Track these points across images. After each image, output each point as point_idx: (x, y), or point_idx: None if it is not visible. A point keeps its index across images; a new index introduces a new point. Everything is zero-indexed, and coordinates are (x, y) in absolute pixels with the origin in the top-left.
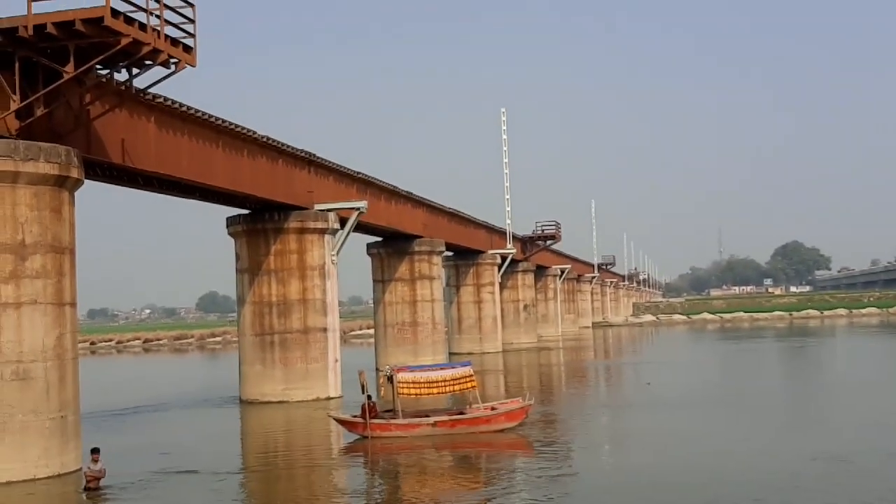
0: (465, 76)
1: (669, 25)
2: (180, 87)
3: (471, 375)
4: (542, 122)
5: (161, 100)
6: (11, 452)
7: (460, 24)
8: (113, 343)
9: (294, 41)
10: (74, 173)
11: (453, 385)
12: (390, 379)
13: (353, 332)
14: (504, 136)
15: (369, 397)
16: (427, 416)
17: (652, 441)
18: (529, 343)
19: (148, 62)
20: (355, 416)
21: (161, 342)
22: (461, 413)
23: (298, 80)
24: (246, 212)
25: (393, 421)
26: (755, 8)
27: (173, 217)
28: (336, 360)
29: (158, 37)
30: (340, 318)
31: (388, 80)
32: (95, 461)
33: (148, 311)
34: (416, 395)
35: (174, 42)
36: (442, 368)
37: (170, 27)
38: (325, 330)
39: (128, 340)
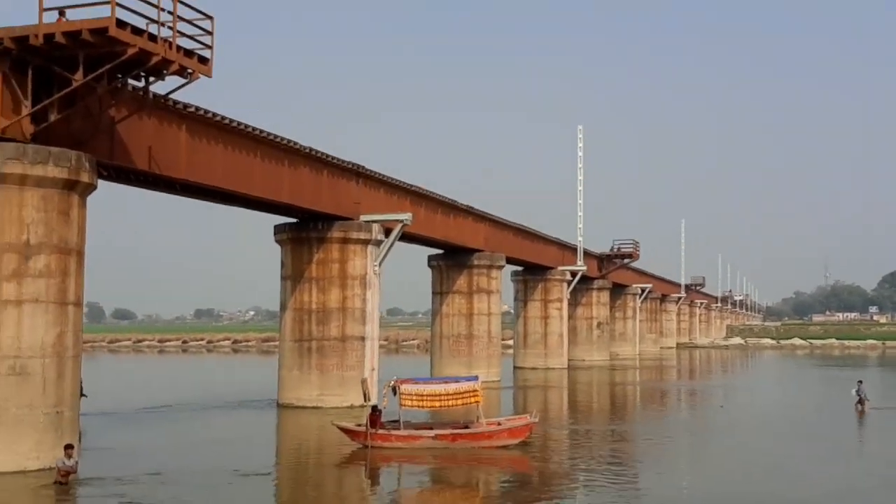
0: (545, 92)
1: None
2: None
3: (475, 390)
4: (640, 142)
5: (192, 109)
6: (4, 444)
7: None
8: (204, 343)
9: (361, 52)
10: (85, 178)
11: (456, 399)
12: (395, 390)
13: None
14: (580, 154)
15: (374, 407)
16: (430, 428)
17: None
18: (602, 361)
19: (163, 71)
20: (360, 426)
21: (250, 343)
22: (465, 427)
23: (369, 94)
24: (293, 220)
25: (394, 432)
26: None
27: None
28: (373, 369)
29: (170, 48)
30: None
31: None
32: (69, 456)
33: (252, 312)
34: (419, 406)
35: (188, 53)
36: (446, 382)
37: (186, 38)
38: (362, 339)
39: (218, 340)
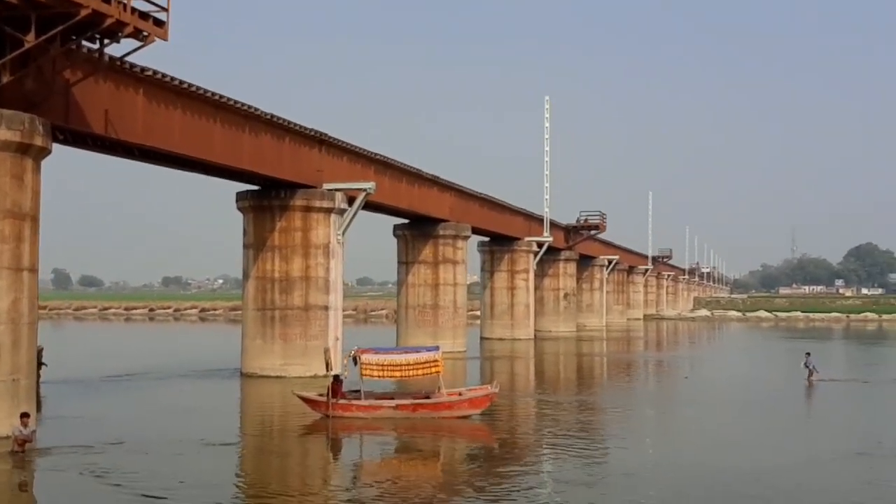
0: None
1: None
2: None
3: (436, 360)
4: (607, 112)
5: (150, 73)
6: None
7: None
8: (171, 311)
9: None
10: (39, 141)
11: (416, 369)
12: (355, 360)
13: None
14: (546, 125)
15: (336, 377)
16: (392, 398)
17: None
18: (568, 332)
19: (118, 33)
20: (321, 395)
21: (217, 312)
22: (426, 397)
23: (337, 62)
24: (255, 188)
25: (354, 402)
26: None
27: None
28: (337, 339)
29: (125, 10)
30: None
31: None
32: (25, 425)
33: (221, 280)
34: (379, 376)
35: (143, 15)
36: (407, 352)
37: (142, 1)
38: (326, 308)
39: (185, 309)
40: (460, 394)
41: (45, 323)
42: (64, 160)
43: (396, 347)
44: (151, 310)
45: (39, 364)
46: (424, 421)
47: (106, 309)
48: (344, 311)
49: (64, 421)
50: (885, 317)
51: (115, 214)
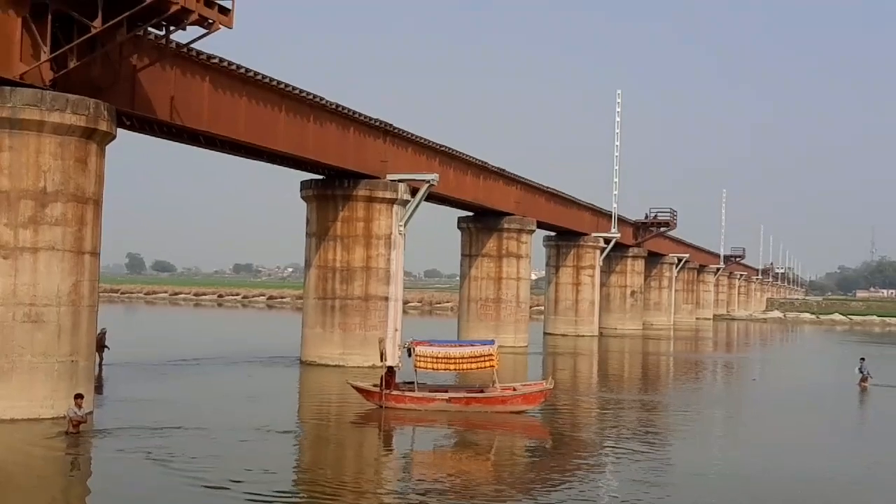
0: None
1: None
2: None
3: (491, 355)
4: (681, 108)
5: (216, 60)
6: (18, 391)
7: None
8: (239, 297)
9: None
10: (103, 126)
11: (471, 362)
12: (409, 351)
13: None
14: (618, 119)
15: (390, 368)
16: (446, 391)
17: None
18: (634, 330)
19: (184, 20)
20: (375, 386)
21: (285, 300)
22: (480, 391)
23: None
24: (319, 177)
25: (408, 393)
26: None
27: None
28: (396, 330)
29: None
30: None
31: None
32: (79, 406)
33: (291, 269)
34: (432, 368)
35: (208, 3)
36: (461, 345)
37: None
38: (386, 299)
39: (253, 296)
40: (514, 389)
41: (117, 306)
42: (143, 147)
43: (452, 340)
44: (220, 296)
45: (102, 347)
46: (477, 415)
47: (176, 294)
48: (409, 302)
49: (124, 403)
50: None
51: (190, 201)
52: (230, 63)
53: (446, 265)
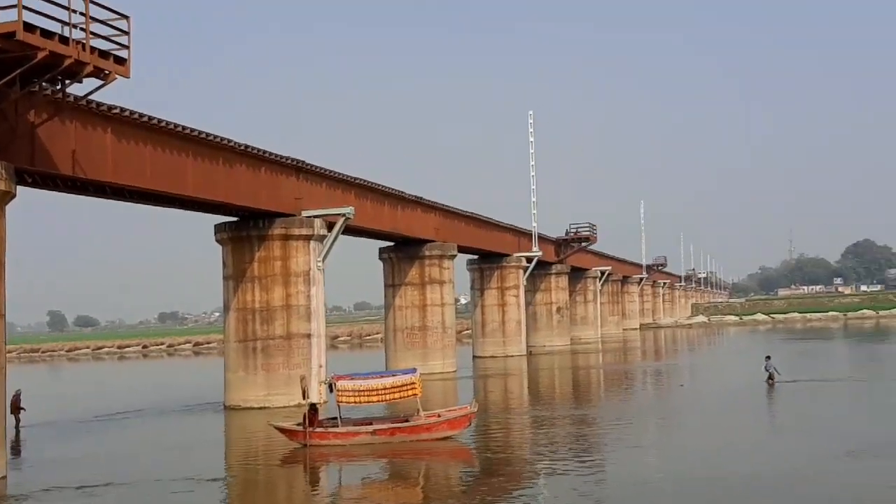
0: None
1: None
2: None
3: (413, 383)
4: (595, 125)
5: (117, 110)
6: None
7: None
8: (164, 346)
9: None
10: (2, 185)
11: (394, 393)
12: (331, 387)
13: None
14: (531, 139)
15: (312, 405)
16: (370, 423)
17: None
18: (562, 345)
19: (79, 73)
20: (298, 425)
21: (211, 345)
22: (404, 421)
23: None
24: (233, 219)
25: (332, 430)
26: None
27: None
28: (320, 366)
29: (83, 49)
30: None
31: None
32: None
33: (217, 313)
34: (355, 402)
35: (103, 54)
36: (383, 376)
37: (102, 39)
38: (308, 336)
39: (179, 344)
40: (439, 415)
41: (38, 366)
42: (57, 202)
43: (374, 372)
44: (145, 346)
45: (18, 409)
46: (404, 445)
47: (99, 349)
48: (339, 337)
49: (46, 464)
50: (882, 313)
51: (110, 253)
52: (132, 112)
53: (376, 297)
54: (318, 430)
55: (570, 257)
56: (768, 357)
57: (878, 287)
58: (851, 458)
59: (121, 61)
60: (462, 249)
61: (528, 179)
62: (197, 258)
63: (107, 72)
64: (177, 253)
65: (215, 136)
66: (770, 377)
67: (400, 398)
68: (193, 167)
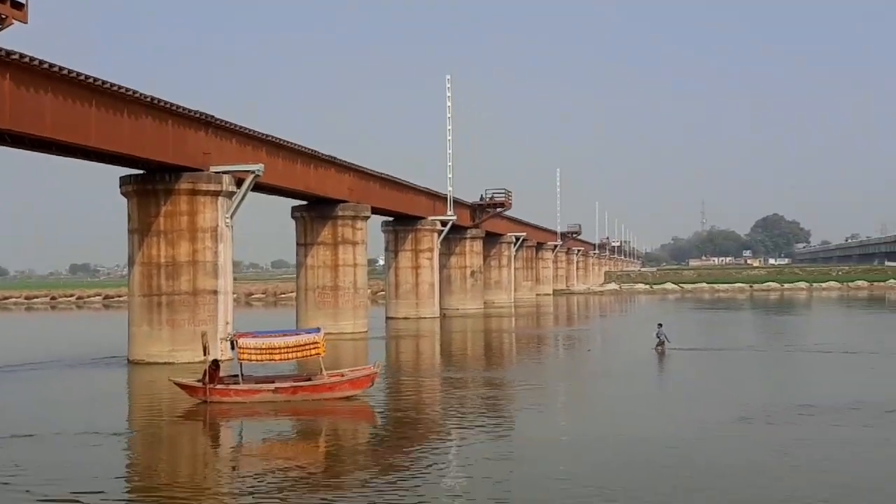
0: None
1: None
2: None
3: (316, 342)
4: (513, 89)
5: (16, 56)
6: None
7: None
8: (74, 299)
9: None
10: None
11: (296, 352)
12: (232, 344)
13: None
14: (448, 103)
15: (214, 361)
16: (272, 381)
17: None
18: (476, 309)
19: None
20: (198, 381)
21: (122, 298)
22: (307, 379)
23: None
24: (139, 172)
25: (233, 387)
26: None
27: None
28: (227, 323)
29: None
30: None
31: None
32: None
33: None
34: (256, 360)
35: None
36: (285, 335)
37: None
38: (215, 292)
39: (89, 297)
40: (342, 375)
41: None
42: None
43: (277, 331)
44: (53, 298)
45: None
46: (305, 403)
47: (6, 299)
48: (254, 294)
49: None
50: (786, 286)
51: (22, 204)
52: (32, 58)
53: (293, 255)
54: (219, 386)
55: (485, 222)
56: (660, 324)
57: (786, 261)
58: (744, 423)
59: (18, 6)
60: (377, 211)
61: (444, 144)
62: (111, 210)
63: (3, 16)
64: (92, 205)
65: (120, 87)
66: (660, 343)
67: (303, 357)
68: (97, 117)
